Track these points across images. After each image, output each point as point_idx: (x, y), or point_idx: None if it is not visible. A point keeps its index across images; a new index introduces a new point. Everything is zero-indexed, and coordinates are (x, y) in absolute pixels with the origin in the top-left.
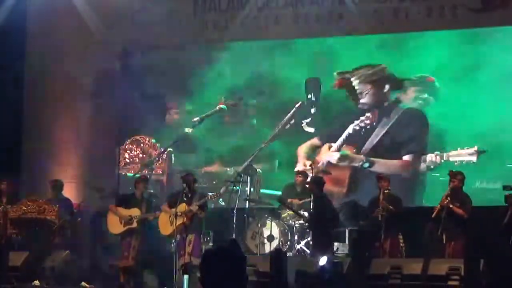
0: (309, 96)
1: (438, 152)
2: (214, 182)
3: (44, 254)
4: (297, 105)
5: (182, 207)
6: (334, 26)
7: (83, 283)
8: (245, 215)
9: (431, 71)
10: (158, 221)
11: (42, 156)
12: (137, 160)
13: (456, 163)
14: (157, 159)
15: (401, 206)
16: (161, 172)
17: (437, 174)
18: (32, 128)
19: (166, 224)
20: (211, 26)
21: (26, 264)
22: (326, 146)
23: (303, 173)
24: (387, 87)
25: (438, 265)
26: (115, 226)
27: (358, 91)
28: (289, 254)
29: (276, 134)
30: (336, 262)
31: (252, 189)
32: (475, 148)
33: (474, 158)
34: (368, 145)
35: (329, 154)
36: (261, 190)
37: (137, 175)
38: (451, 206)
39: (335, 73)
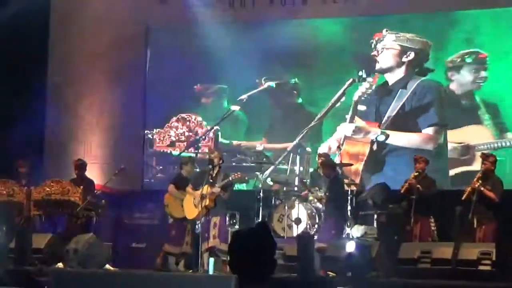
0: (360, 73)
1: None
2: (264, 159)
3: (67, 236)
4: (348, 82)
5: (206, 188)
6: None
7: (107, 266)
8: (272, 197)
9: (483, 47)
10: (180, 205)
11: (65, 136)
12: (183, 139)
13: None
14: (203, 137)
15: (435, 188)
16: (207, 150)
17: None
18: (55, 107)
19: (191, 206)
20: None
21: (50, 246)
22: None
23: (324, 155)
24: (411, 55)
25: (469, 249)
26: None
27: (382, 47)
28: (316, 237)
29: (326, 112)
30: (364, 246)
31: (301, 169)
32: None
33: None
34: (385, 118)
35: (344, 127)
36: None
37: (184, 154)
38: (482, 189)
39: (385, 30)
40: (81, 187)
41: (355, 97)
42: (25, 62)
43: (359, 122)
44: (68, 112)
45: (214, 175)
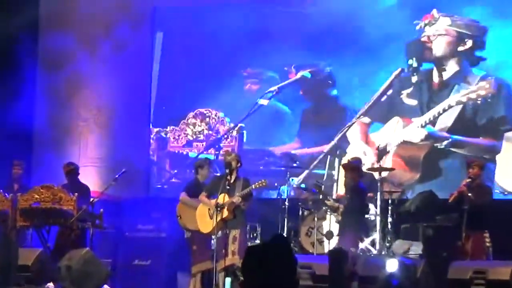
0: (410, 62)
1: None
2: (294, 165)
3: (59, 251)
4: (395, 72)
5: (222, 197)
6: None
7: (105, 286)
8: (299, 207)
9: None
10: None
11: (57, 135)
12: (201, 138)
13: None
14: (225, 136)
15: (490, 198)
16: (223, 152)
17: None
18: (46, 101)
19: (205, 218)
20: None
21: (39, 263)
22: (395, 120)
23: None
24: (469, 43)
25: None
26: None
27: (434, 34)
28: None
29: (369, 107)
30: (407, 265)
31: (341, 173)
32: None
33: None
34: (445, 120)
35: (410, 131)
36: None
37: (202, 156)
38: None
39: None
40: (75, 194)
41: (452, 102)
42: (12, 45)
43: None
44: (61, 106)
45: (232, 181)
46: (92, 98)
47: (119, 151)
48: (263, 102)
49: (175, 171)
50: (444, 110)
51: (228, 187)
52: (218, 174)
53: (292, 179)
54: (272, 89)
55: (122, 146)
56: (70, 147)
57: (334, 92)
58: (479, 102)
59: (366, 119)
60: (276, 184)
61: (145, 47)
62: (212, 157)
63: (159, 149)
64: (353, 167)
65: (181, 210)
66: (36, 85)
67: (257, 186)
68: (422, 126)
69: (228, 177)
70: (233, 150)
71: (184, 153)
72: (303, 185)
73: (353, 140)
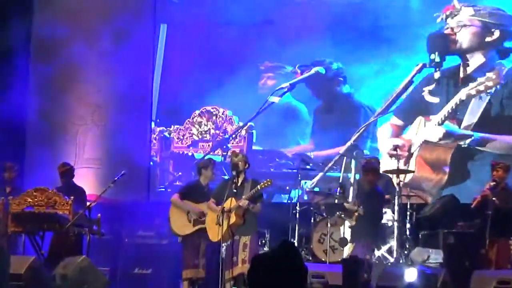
0: (433, 56)
1: None
2: (308, 167)
3: (54, 259)
4: (417, 68)
5: (229, 202)
6: None
7: None
8: (312, 212)
9: None
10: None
11: (52, 134)
12: (207, 138)
13: None
14: (233, 136)
15: None
16: (229, 153)
17: None
18: (39, 97)
19: (214, 226)
20: None
21: (32, 271)
22: (418, 120)
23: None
24: (496, 34)
25: None
26: (181, 224)
27: (457, 25)
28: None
29: (388, 105)
30: (427, 274)
31: (357, 176)
32: None
33: None
34: (470, 117)
35: (428, 130)
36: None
37: (208, 157)
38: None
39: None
40: (71, 197)
41: (462, 95)
42: (2, 31)
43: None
44: (56, 101)
45: (239, 183)
46: (90, 93)
47: (118, 151)
48: (274, 99)
49: (179, 173)
50: (457, 105)
51: (235, 191)
52: (226, 177)
53: (305, 182)
54: (283, 85)
55: (121, 146)
56: (66, 147)
57: (347, 89)
58: (487, 94)
59: (399, 121)
60: (287, 188)
61: (147, 40)
62: (219, 158)
63: (162, 149)
64: (373, 168)
65: (171, 213)
66: (29, 77)
67: (263, 186)
68: (439, 124)
69: (235, 180)
70: (242, 151)
71: (189, 154)
72: (316, 189)
73: (383, 143)
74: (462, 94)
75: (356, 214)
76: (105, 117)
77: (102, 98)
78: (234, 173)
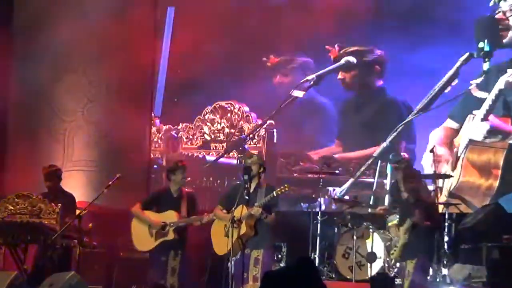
0: (481, 45)
1: None
2: (337, 171)
3: (39, 275)
4: (463, 58)
5: (240, 210)
6: None
7: None
8: (336, 223)
9: None
10: (210, 233)
11: (37, 131)
12: (221, 137)
13: None
14: (251, 136)
15: None
16: (240, 154)
17: None
18: (22, 93)
19: (221, 237)
20: None
21: None
22: (468, 118)
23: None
24: None
25: None
26: (142, 239)
27: (510, 8)
28: (398, 281)
29: (429, 101)
30: None
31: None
32: None
33: None
34: None
35: (473, 127)
36: None
37: (208, 159)
38: None
39: None
40: (58, 205)
41: (500, 85)
42: None
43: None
44: (41, 94)
45: (252, 189)
46: (81, 85)
47: (113, 151)
48: (298, 93)
49: (189, 178)
50: (497, 97)
51: (247, 197)
52: (238, 182)
53: (334, 190)
54: (309, 77)
55: (117, 145)
56: (52, 146)
57: (382, 82)
58: None
59: (453, 123)
60: (313, 196)
61: (147, 21)
62: (234, 161)
63: (168, 151)
64: (417, 174)
65: (133, 226)
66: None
67: (279, 192)
68: (481, 120)
69: (247, 185)
70: (260, 153)
71: (200, 156)
72: (346, 197)
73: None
74: (500, 83)
75: (406, 227)
76: (98, 112)
77: (94, 89)
78: (246, 177)
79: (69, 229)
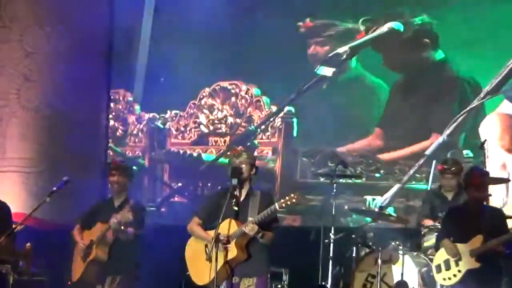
0: None
1: None
2: (377, 175)
3: None
4: None
5: (226, 225)
6: None
7: None
8: (354, 242)
9: None
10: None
11: None
12: (223, 129)
13: None
14: (263, 127)
15: None
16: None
17: None
18: None
19: (199, 262)
20: None
21: None
22: None
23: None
24: None
25: None
26: (77, 265)
27: None
28: None
29: (501, 81)
30: None
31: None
32: None
33: None
34: None
35: None
36: None
37: (208, 157)
38: None
39: None
40: None
41: None
42: None
43: None
44: None
45: (242, 197)
46: (16, 58)
47: (58, 146)
48: (326, 71)
49: (179, 184)
50: None
51: (236, 208)
52: (220, 188)
53: (374, 199)
54: (339, 50)
55: (64, 138)
56: None
57: (439, 55)
58: None
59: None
60: (346, 208)
61: None
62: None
63: (152, 147)
64: (484, 181)
65: (75, 252)
66: None
67: (283, 204)
68: None
69: (236, 192)
70: (276, 149)
71: (195, 154)
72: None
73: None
74: None
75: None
76: (39, 94)
77: (36, 67)
78: (235, 181)
79: (1, 250)
